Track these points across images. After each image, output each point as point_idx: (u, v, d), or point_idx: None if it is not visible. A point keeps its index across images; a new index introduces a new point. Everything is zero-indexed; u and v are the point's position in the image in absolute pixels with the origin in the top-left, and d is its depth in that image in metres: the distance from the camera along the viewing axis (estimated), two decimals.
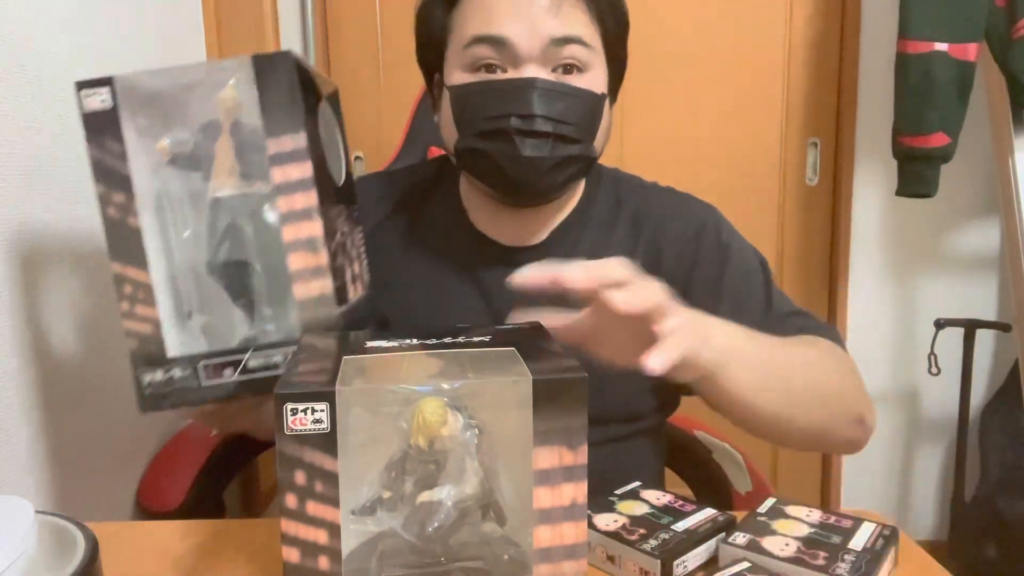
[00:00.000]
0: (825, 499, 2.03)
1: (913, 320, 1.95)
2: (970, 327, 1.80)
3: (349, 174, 0.76)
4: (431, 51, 0.82)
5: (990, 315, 1.94)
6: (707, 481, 1.14)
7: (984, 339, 1.91)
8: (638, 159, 1.85)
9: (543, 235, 0.85)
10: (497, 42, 0.74)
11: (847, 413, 0.76)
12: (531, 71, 0.74)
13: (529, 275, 0.56)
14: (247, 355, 0.65)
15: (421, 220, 0.89)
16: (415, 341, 0.54)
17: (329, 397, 0.43)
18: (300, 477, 0.44)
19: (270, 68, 0.62)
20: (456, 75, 0.77)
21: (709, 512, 0.65)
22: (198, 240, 0.65)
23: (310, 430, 0.44)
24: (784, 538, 0.60)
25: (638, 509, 0.65)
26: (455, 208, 0.88)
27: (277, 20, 1.71)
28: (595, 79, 0.77)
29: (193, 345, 0.65)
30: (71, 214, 0.95)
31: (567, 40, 0.74)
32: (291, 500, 0.44)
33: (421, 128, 1.33)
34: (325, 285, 0.63)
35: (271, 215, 0.64)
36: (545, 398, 0.45)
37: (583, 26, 0.76)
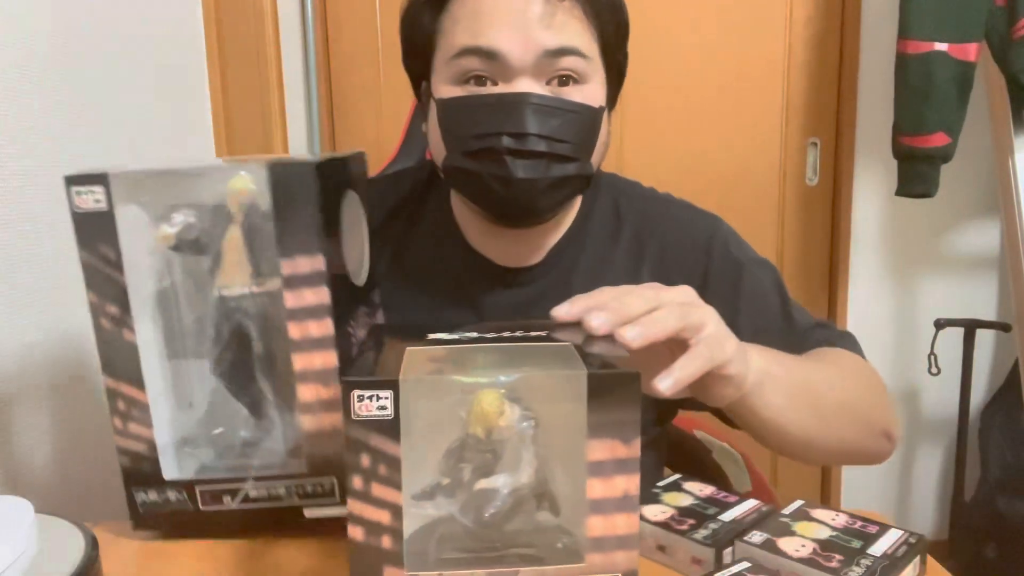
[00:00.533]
0: (824, 499, 2.03)
1: (913, 320, 1.95)
2: (970, 327, 1.80)
3: (371, 261, 0.72)
4: (418, 58, 0.77)
5: (990, 315, 1.94)
6: (706, 480, 1.13)
7: (984, 339, 1.91)
8: (638, 160, 1.85)
9: (540, 255, 0.81)
10: (487, 54, 0.69)
11: (873, 429, 0.74)
12: (524, 85, 0.69)
13: (563, 313, 0.55)
14: (247, 484, 0.61)
15: (413, 234, 0.84)
16: (475, 334, 0.56)
17: (393, 386, 0.45)
18: (365, 460, 0.46)
19: (287, 181, 0.56)
20: (444, 87, 0.72)
21: (752, 503, 0.66)
22: (202, 333, 0.60)
23: (375, 416, 0.45)
24: (802, 539, 0.59)
25: (684, 500, 0.67)
26: (447, 223, 0.83)
27: (277, 19, 1.71)
28: (593, 91, 0.73)
29: (190, 466, 0.62)
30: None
31: (562, 51, 0.69)
32: (357, 482, 0.46)
33: (419, 129, 1.32)
34: (336, 419, 0.59)
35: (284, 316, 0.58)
36: (599, 392, 0.46)
37: (579, 35, 0.71)
